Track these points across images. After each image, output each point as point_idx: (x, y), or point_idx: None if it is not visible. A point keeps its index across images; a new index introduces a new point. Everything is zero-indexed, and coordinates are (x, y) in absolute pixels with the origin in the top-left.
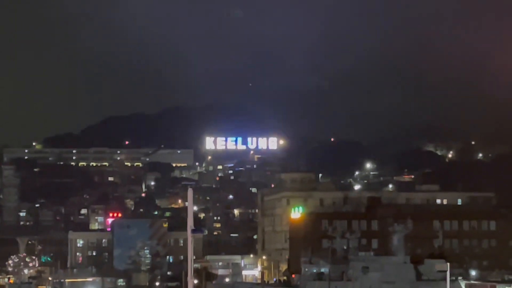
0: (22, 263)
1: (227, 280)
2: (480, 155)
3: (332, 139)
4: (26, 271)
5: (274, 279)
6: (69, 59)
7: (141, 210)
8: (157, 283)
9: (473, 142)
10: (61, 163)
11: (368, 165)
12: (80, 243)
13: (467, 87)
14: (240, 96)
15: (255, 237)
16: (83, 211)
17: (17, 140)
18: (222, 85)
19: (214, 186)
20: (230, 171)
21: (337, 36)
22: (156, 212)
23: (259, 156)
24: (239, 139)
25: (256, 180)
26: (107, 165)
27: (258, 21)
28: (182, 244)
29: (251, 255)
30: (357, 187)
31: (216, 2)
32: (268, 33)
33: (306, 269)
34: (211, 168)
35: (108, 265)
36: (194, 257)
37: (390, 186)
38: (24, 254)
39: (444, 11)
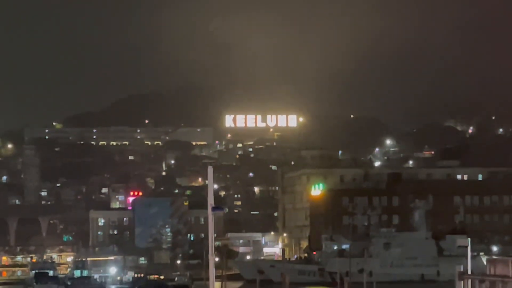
0: (43, 242)
1: (248, 257)
2: (501, 130)
3: (351, 116)
4: (48, 250)
5: (295, 256)
6: (87, 39)
7: (162, 188)
8: (179, 261)
9: (493, 117)
10: (82, 142)
11: (388, 142)
12: (101, 222)
13: (486, 60)
14: (259, 73)
15: (275, 214)
16: (104, 190)
17: (37, 119)
18: (240, 62)
19: (234, 164)
20: (250, 149)
21: (352, 12)
22: (176, 191)
23: (278, 133)
24: (259, 117)
25: (276, 158)
26: (127, 144)
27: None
28: (202, 222)
29: (272, 233)
30: (377, 163)
31: None
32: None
33: (327, 246)
34: (231, 146)
35: (130, 243)
36: (215, 235)
37: (411, 162)
38: (46, 233)
39: None
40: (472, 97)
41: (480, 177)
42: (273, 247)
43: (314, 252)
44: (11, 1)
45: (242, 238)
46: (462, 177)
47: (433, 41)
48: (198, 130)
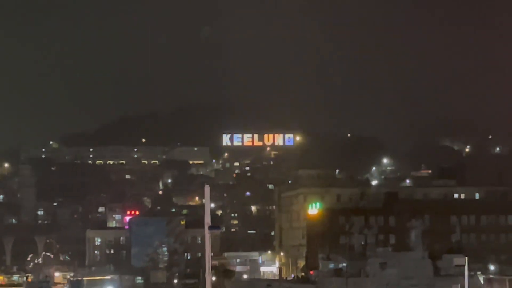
0: (40, 262)
1: (245, 276)
2: (498, 149)
3: (349, 135)
4: (44, 269)
5: (292, 275)
6: (84, 57)
7: (158, 207)
8: (175, 281)
9: (490, 136)
10: (78, 161)
11: (385, 161)
12: (98, 241)
13: (484, 80)
14: (256, 92)
15: (272, 233)
16: (101, 209)
17: (33, 139)
18: (237, 81)
19: (231, 183)
20: (247, 168)
21: (348, 30)
22: (173, 210)
23: (275, 152)
24: (256, 136)
25: (273, 177)
26: (124, 163)
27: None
28: (199, 241)
29: (269, 252)
30: (374, 182)
31: None
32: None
33: (324, 265)
34: (227, 165)
35: (126, 263)
36: (212, 254)
37: (407, 181)
38: (43, 253)
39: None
40: (469, 116)
41: (477, 196)
42: (270, 266)
43: (311, 272)
44: (7, 23)
45: (239, 257)
46: (459, 196)
47: (431, 62)
48: (195, 149)
